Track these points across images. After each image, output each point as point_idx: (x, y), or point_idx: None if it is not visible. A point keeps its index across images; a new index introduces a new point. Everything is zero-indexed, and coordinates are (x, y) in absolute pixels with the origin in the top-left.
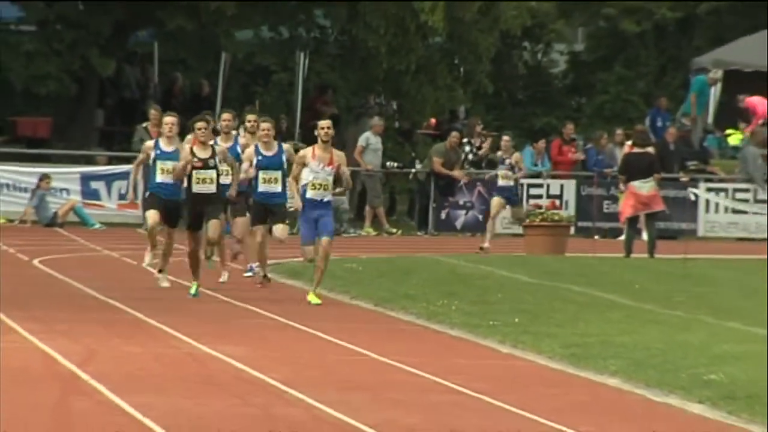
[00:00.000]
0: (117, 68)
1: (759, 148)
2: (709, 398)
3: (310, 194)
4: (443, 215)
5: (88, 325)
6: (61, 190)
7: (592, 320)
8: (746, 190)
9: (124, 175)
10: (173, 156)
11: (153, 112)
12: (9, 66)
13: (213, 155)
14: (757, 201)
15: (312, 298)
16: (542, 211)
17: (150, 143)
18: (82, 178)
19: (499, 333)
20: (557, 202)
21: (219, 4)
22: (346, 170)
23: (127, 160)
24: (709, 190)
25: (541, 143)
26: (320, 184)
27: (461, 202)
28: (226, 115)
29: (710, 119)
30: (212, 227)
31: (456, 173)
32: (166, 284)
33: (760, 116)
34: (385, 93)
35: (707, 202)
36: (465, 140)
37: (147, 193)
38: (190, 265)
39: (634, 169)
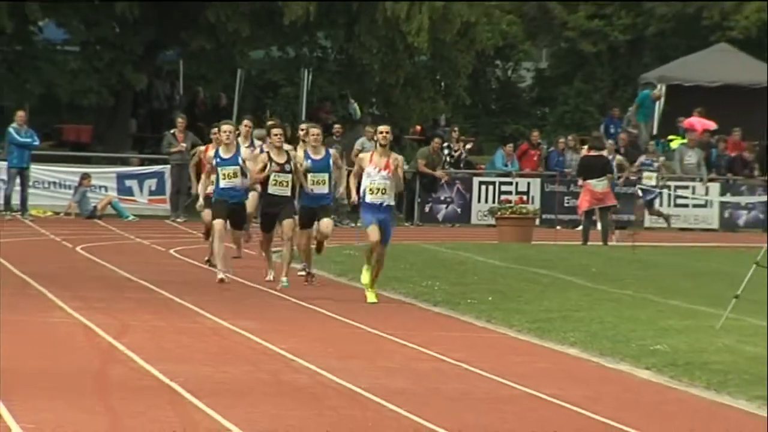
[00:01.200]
0: (148, 83)
1: (690, 148)
2: (655, 365)
3: (369, 198)
4: (426, 209)
5: (123, 303)
6: (100, 187)
7: (554, 298)
8: (686, 187)
9: (154, 174)
10: (233, 162)
11: (179, 120)
12: (55, 81)
13: (288, 160)
14: (694, 196)
15: (370, 297)
16: (512, 205)
17: (208, 151)
18: (118, 177)
19: (475, 309)
20: (524, 197)
21: (235, 26)
22: (400, 174)
23: (157, 162)
24: (654, 187)
25: (510, 147)
26: (377, 188)
27: (442, 198)
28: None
29: (655, 127)
30: (288, 225)
31: (438, 173)
32: (222, 276)
33: (703, 127)
34: (378, 103)
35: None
36: (445, 144)
37: (213, 199)
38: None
39: (591, 169)
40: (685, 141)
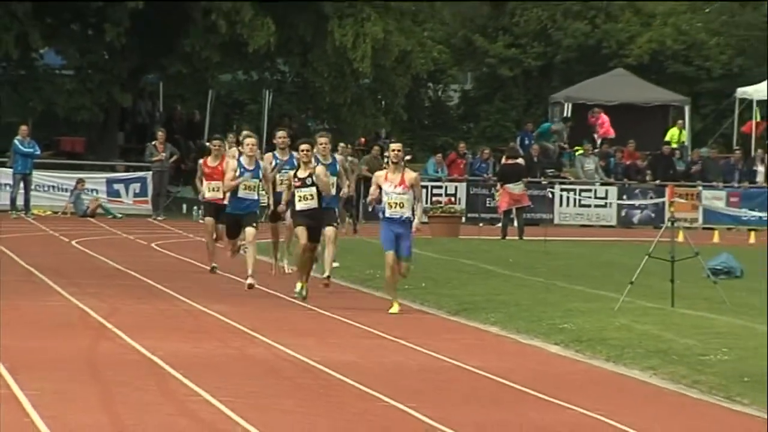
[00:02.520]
0: (133, 101)
1: (587, 157)
2: (563, 341)
3: (388, 213)
4: (369, 208)
5: (112, 289)
6: (92, 190)
7: (478, 284)
8: (589, 190)
9: (138, 179)
10: (254, 174)
11: (159, 133)
12: (54, 100)
13: (311, 174)
14: (597, 197)
15: (393, 309)
16: (442, 205)
17: (234, 163)
18: (107, 181)
19: (411, 294)
20: (452, 198)
21: (207, 54)
22: (418, 189)
23: (140, 169)
24: (562, 190)
25: (440, 156)
26: (395, 203)
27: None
28: (281, 133)
29: (565, 141)
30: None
31: None
32: (251, 281)
33: (605, 131)
34: (328, 119)
35: (561, 197)
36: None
37: (226, 209)
38: (303, 266)
39: (508, 175)
40: (582, 150)
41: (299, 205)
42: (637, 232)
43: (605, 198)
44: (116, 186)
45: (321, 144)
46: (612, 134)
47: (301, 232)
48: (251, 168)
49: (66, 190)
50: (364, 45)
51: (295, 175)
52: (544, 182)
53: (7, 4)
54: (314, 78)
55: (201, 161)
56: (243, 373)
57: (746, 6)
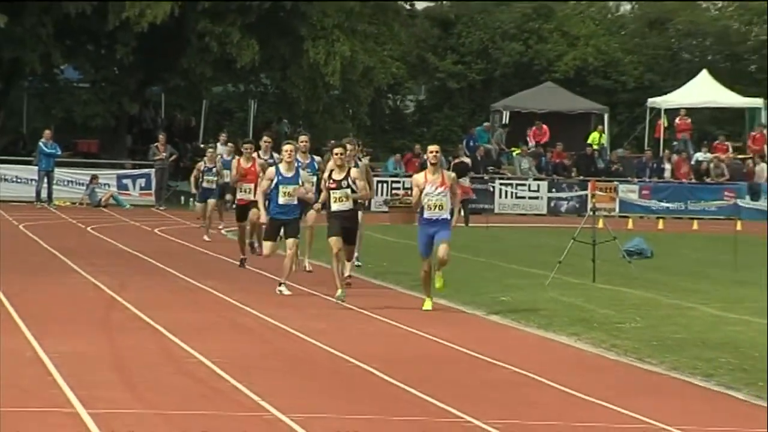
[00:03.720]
0: (139, 110)
1: (523, 156)
2: (501, 311)
3: (426, 214)
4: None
5: (121, 268)
6: (105, 184)
7: None
8: (524, 185)
9: (143, 175)
10: (294, 180)
11: (161, 137)
12: (72, 108)
13: (347, 176)
14: (531, 190)
15: (427, 305)
16: (400, 197)
17: (272, 170)
18: (118, 177)
19: (372, 272)
20: (409, 192)
21: (202, 70)
22: (456, 189)
23: (145, 166)
24: (501, 185)
25: (398, 156)
26: (435, 205)
27: None
28: (303, 137)
29: (503, 142)
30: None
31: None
32: (288, 292)
33: (544, 139)
34: (303, 125)
35: (500, 190)
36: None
37: (269, 216)
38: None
39: (456, 171)
40: (519, 151)
41: (334, 206)
42: (564, 220)
43: (537, 191)
44: (125, 181)
45: (302, 142)
46: (547, 139)
47: (335, 242)
48: (289, 175)
49: (82, 185)
50: (334, 62)
51: (330, 177)
52: (486, 178)
53: (33, 29)
54: (292, 90)
55: (235, 162)
56: (232, 338)
57: (653, 29)
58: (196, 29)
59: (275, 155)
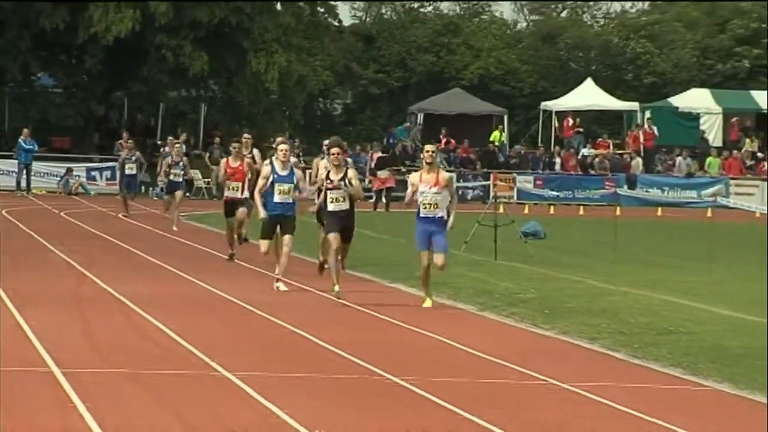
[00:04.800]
0: (105, 111)
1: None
2: (417, 285)
3: (423, 213)
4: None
5: (90, 247)
6: (76, 175)
7: (358, 245)
8: None
9: (109, 168)
10: (289, 179)
11: (124, 135)
12: (47, 110)
13: (345, 176)
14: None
15: (427, 304)
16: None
17: (267, 169)
18: (87, 169)
19: (316, 253)
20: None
21: (159, 77)
22: (452, 188)
23: (110, 160)
24: None
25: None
26: (429, 204)
27: None
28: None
29: (419, 140)
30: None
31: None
32: (285, 288)
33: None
34: (248, 125)
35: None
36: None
37: (266, 217)
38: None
39: (379, 164)
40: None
41: (331, 206)
42: (470, 206)
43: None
44: (93, 172)
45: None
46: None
47: (334, 238)
48: (284, 174)
49: (56, 176)
50: (272, 71)
51: (327, 177)
52: (404, 170)
53: (14, 41)
54: (237, 94)
55: (223, 162)
56: (187, 309)
57: (545, 43)
58: (154, 42)
59: (255, 151)
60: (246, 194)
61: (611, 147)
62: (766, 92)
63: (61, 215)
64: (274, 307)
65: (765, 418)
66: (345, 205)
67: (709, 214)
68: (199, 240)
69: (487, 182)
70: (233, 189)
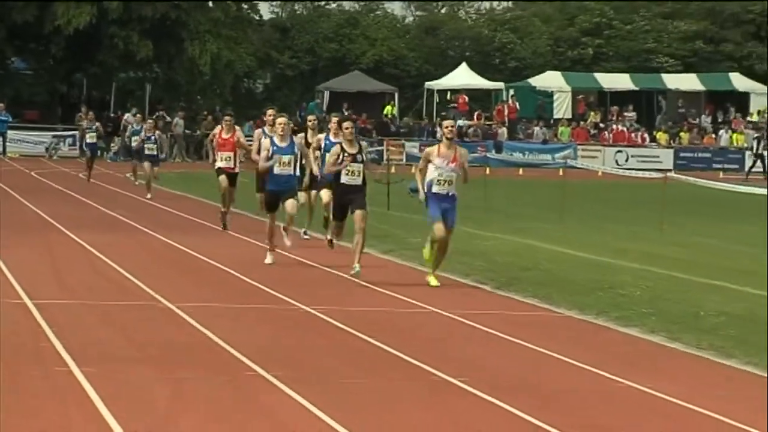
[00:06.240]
0: (67, 90)
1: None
2: (374, 246)
3: (435, 189)
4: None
5: (55, 200)
6: (42, 142)
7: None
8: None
9: (71, 136)
10: (288, 151)
11: (83, 109)
12: (21, 89)
13: (360, 151)
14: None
15: (431, 281)
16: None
17: (267, 141)
18: (53, 137)
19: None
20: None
21: (112, 62)
22: (467, 166)
23: (72, 129)
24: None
25: (251, 122)
26: (445, 180)
27: None
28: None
29: (323, 110)
30: (359, 216)
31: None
32: (269, 260)
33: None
34: (185, 102)
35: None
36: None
37: (267, 186)
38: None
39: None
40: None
41: (344, 178)
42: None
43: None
44: (58, 140)
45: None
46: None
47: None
48: (284, 145)
49: (28, 142)
50: (206, 56)
51: (343, 150)
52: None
53: None
54: (176, 76)
55: (216, 132)
56: (138, 252)
57: (429, 34)
58: (107, 33)
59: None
60: (238, 168)
61: (482, 119)
62: (606, 74)
63: (32, 174)
64: (215, 254)
65: (609, 336)
66: (359, 180)
67: (561, 173)
68: (157, 199)
69: (381, 148)
70: (226, 159)
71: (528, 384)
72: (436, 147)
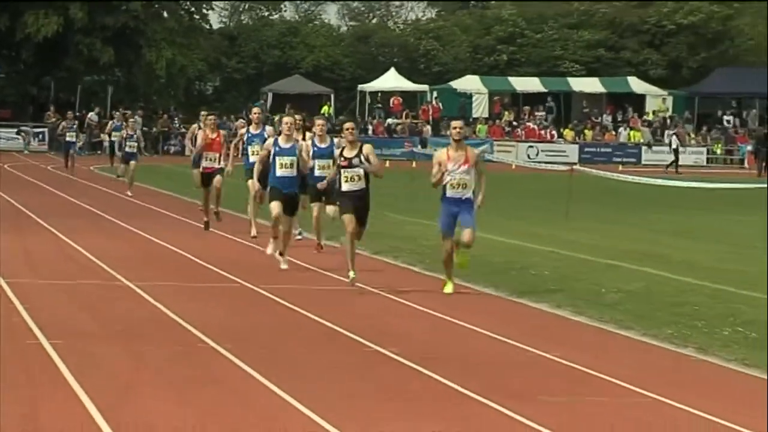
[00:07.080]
0: (37, 91)
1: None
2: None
3: (449, 193)
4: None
5: (26, 191)
6: (14, 138)
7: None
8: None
9: (40, 133)
10: (291, 152)
11: (52, 108)
12: None
13: (359, 154)
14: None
15: (448, 288)
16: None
17: (270, 141)
18: (25, 133)
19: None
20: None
21: (77, 66)
22: (480, 166)
23: (42, 127)
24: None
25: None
26: (458, 183)
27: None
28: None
29: (267, 110)
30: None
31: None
32: (285, 266)
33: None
34: (143, 102)
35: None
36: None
37: (268, 187)
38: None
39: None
40: (278, 118)
41: (345, 186)
42: None
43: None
44: (28, 136)
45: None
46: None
47: (349, 220)
48: (287, 146)
49: (2, 138)
50: (161, 61)
51: (341, 155)
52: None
53: None
54: (135, 80)
55: (201, 133)
56: (105, 239)
57: (361, 42)
58: (73, 40)
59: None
60: (222, 164)
61: (409, 117)
62: (519, 78)
63: (5, 167)
64: (174, 239)
65: (522, 311)
66: (360, 185)
67: None
68: (118, 189)
69: None
70: (210, 159)
71: (454, 354)
72: (444, 151)
